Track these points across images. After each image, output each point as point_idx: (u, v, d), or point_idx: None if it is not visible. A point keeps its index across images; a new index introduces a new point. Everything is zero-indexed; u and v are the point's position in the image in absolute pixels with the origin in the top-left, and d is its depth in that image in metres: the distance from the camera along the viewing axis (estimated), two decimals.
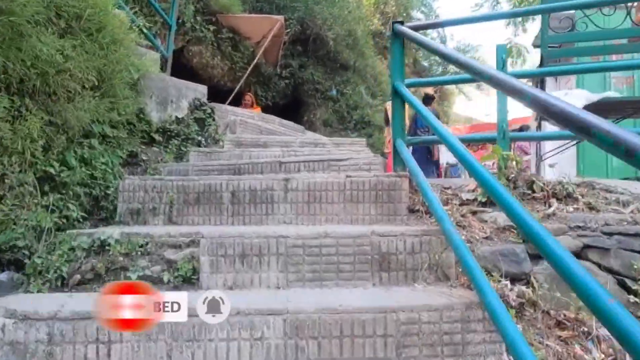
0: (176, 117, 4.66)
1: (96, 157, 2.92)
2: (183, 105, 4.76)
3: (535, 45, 9.66)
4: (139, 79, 4.18)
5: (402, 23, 2.75)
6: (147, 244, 2.06)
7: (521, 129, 8.92)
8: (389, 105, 8.76)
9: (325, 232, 2.03)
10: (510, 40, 16.48)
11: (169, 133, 4.54)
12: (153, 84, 4.42)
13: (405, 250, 2.03)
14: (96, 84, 3.12)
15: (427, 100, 7.60)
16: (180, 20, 6.82)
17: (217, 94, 8.13)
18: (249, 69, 7.82)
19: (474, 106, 26.55)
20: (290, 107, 9.92)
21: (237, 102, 8.09)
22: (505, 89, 1.45)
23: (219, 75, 7.75)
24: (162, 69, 4.79)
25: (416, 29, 2.76)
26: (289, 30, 8.51)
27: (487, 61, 21.35)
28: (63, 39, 2.77)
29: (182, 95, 4.76)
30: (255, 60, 7.84)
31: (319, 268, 2.00)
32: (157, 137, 4.41)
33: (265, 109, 9.01)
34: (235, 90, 7.70)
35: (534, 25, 16.18)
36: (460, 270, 1.98)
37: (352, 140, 4.47)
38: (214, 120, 4.89)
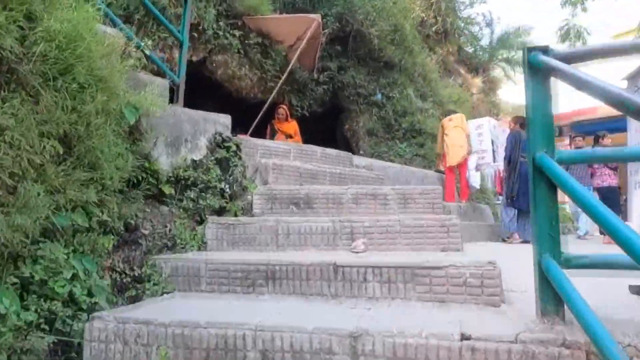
0: (192, 160, 3.66)
1: (55, 272, 1.92)
2: (201, 143, 3.74)
3: None
4: (140, 119, 3.18)
5: (545, 51, 1.56)
6: None
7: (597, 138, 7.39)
8: (446, 122, 7.42)
9: None
10: (567, 22, 14.63)
11: (183, 182, 3.55)
12: (160, 121, 3.42)
13: None
14: (61, 152, 2.12)
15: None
16: (200, 27, 5.81)
17: (247, 109, 7.13)
18: (283, 78, 6.74)
19: (519, 90, 24.32)
20: (330, 115, 8.79)
21: (269, 116, 7.05)
22: None
23: (248, 87, 6.72)
24: (173, 99, 3.78)
25: (570, 59, 1.57)
26: (326, 29, 7.35)
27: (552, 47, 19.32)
28: None
29: (199, 131, 3.74)
30: (289, 67, 6.74)
31: None
32: (167, 189, 3.42)
33: (302, 121, 7.94)
34: (267, 104, 6.65)
35: (595, 4, 14.20)
36: None
37: (423, 190, 3.31)
38: (240, 159, 3.85)
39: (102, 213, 2.45)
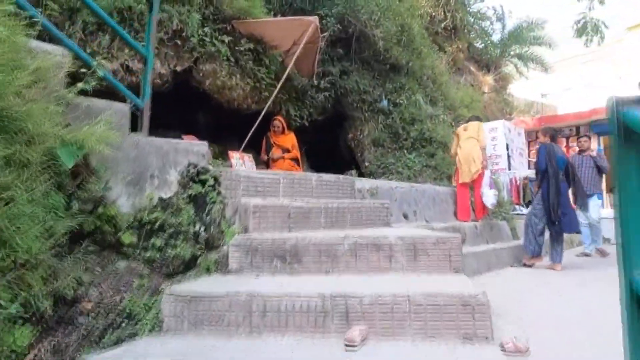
0: (160, 199, 3.07)
1: None
2: (171, 178, 3.15)
3: None
4: (89, 157, 2.61)
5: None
6: None
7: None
8: (461, 131, 6.62)
9: None
10: (584, 15, 13.78)
11: (148, 227, 2.97)
12: (119, 156, 2.84)
13: None
14: None
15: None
16: (184, 34, 5.21)
17: (239, 122, 6.53)
18: (278, 86, 6.12)
19: (530, 86, 23.59)
20: (332, 122, 8.16)
21: (264, 127, 6.45)
22: None
23: (240, 98, 6.11)
24: (136, 125, 3.19)
25: None
26: (326, 32, 6.71)
27: (556, 40, 18.44)
28: None
29: (169, 164, 3.15)
30: (285, 74, 6.12)
31: None
32: (127, 238, 2.85)
33: (302, 131, 7.32)
34: (261, 116, 6.04)
35: None
36: None
37: (437, 239, 2.68)
38: (219, 194, 3.26)
39: (17, 297, 1.87)
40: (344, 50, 7.66)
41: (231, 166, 5.64)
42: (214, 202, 3.22)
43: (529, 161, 12.20)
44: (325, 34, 6.63)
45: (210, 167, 3.37)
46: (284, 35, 6.03)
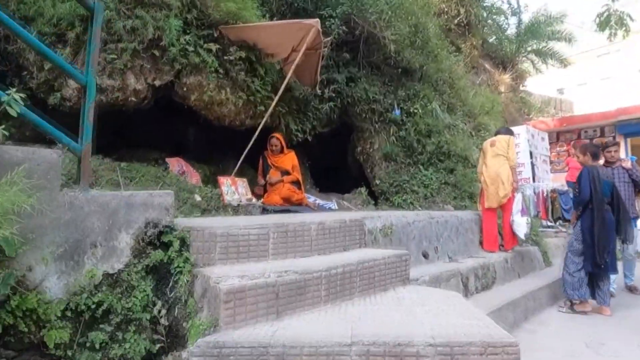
0: (105, 274, 2.31)
1: None
2: (121, 244, 2.37)
3: None
4: None
5: None
6: None
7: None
8: (487, 146, 5.60)
9: None
10: (608, 7, 12.74)
11: (87, 315, 2.21)
12: (44, 223, 2.09)
13: None
14: None
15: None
16: (162, 43, 4.44)
17: (236, 135, 5.75)
18: (275, 99, 5.33)
19: (544, 81, 22.54)
20: (339, 134, 7.35)
21: (260, 146, 5.67)
22: None
23: (232, 114, 5.32)
24: (75, 176, 2.43)
25: None
26: (331, 34, 5.89)
27: (577, 35, 17.36)
28: None
29: (118, 225, 2.37)
30: (283, 85, 5.32)
31: None
32: (54, 335, 2.10)
33: (304, 146, 6.53)
34: (256, 134, 5.26)
35: None
36: None
37: (483, 346, 1.87)
38: (187, 261, 2.47)
39: None
40: (351, 54, 6.84)
41: (221, 195, 4.88)
42: (180, 273, 2.44)
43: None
44: (329, 37, 5.82)
45: (177, 224, 2.59)
46: (280, 42, 5.23)
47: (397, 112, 6.89)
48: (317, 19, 5.08)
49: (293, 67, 5.30)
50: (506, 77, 16.12)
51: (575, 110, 20.84)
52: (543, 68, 19.22)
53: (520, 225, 5.15)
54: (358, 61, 6.94)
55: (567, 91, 24.83)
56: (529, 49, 18.22)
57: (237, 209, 4.80)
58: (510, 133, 5.87)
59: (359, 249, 3.36)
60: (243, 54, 5.04)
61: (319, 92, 6.32)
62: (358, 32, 6.61)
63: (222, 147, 6.42)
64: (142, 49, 4.39)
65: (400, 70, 7.32)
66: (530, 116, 17.32)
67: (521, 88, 18.80)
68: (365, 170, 7.25)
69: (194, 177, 5.38)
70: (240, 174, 5.76)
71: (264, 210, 5.06)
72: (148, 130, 5.80)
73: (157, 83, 4.64)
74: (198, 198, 4.72)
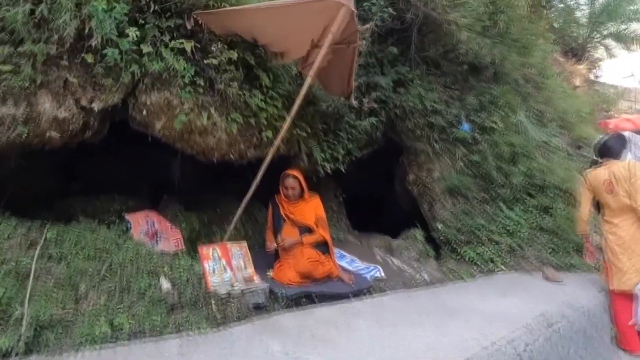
0: None
1: None
2: None
3: None
4: None
5: None
6: None
7: None
8: (593, 176, 3.35)
9: None
10: None
11: None
12: None
13: None
14: None
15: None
16: (96, 43, 2.70)
17: (236, 168, 3.98)
18: (289, 118, 3.46)
19: (611, 67, 19.43)
20: (381, 158, 5.41)
21: (269, 188, 3.84)
22: None
23: (223, 145, 3.50)
24: None
25: None
26: (371, 21, 3.99)
27: None
28: None
29: None
30: (300, 97, 3.43)
31: None
32: None
33: (333, 173, 4.66)
34: (261, 172, 3.45)
35: None
36: None
37: None
38: None
39: None
40: (399, 48, 4.89)
41: (204, 276, 3.12)
42: None
43: None
44: (368, 25, 3.90)
45: None
46: (292, 32, 3.36)
47: (466, 126, 4.88)
48: None
49: (314, 67, 3.39)
50: (581, 67, 13.53)
51: None
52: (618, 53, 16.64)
53: None
54: (409, 57, 4.98)
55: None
56: (605, 32, 15.60)
57: (226, 302, 3.02)
58: (623, 144, 3.71)
59: None
60: (235, 55, 3.22)
61: (355, 103, 4.42)
62: (410, 15, 4.65)
63: (220, 181, 4.67)
64: (64, 55, 2.69)
65: (466, 67, 5.30)
66: (610, 112, 14.59)
67: (596, 79, 16.07)
68: (420, 206, 5.28)
69: (171, 238, 3.65)
70: (247, 218, 4.00)
71: (272, 295, 3.25)
72: (115, 167, 4.15)
73: (97, 106, 2.91)
74: (166, 285, 2.99)
